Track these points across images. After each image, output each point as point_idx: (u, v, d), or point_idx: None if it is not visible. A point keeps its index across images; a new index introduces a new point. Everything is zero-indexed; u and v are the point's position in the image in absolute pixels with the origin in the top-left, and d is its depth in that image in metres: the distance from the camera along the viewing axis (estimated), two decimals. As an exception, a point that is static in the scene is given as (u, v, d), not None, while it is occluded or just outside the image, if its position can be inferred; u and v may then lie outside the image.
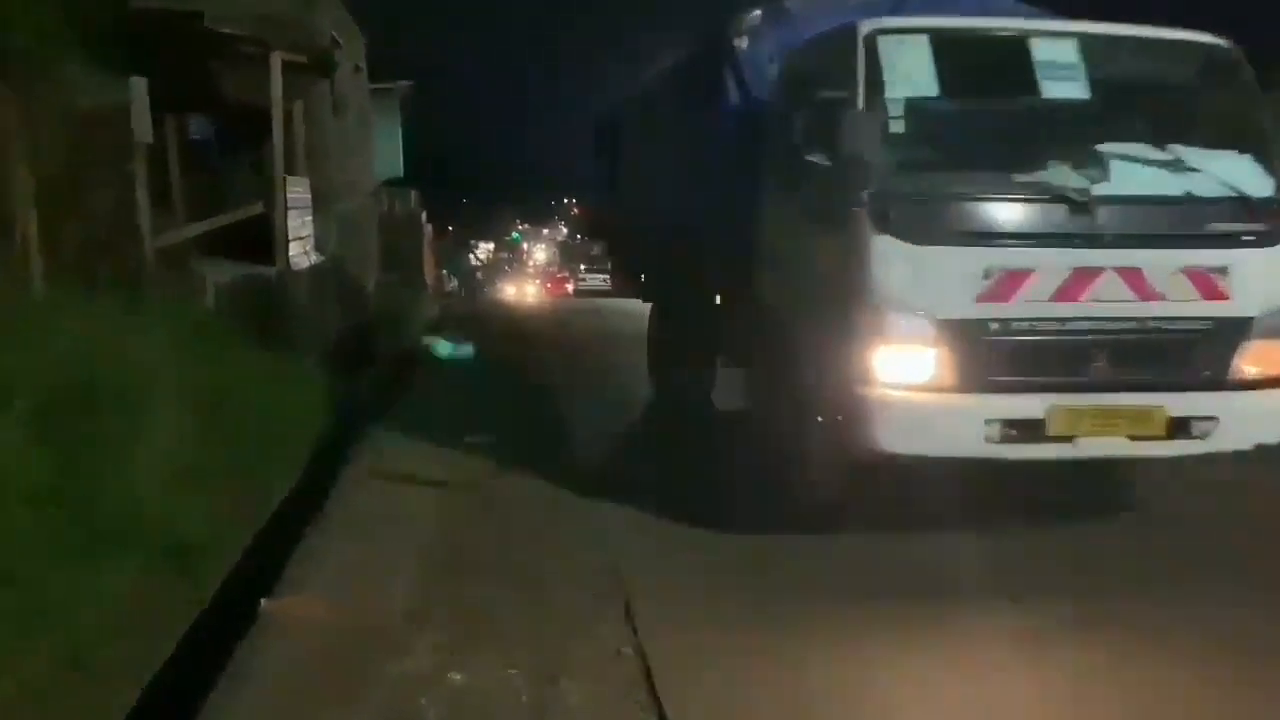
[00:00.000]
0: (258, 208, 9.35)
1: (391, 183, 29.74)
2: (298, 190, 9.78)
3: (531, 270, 67.95)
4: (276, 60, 9.07)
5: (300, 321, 9.10)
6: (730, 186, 5.53)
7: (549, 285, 48.21)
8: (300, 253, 9.77)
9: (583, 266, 61.59)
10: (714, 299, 6.25)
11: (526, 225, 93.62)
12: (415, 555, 4.30)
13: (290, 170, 10.68)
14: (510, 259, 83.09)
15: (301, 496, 5.40)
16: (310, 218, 10.73)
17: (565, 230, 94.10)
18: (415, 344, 11.74)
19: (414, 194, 29.49)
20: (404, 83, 30.41)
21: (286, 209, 9.20)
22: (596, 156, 9.49)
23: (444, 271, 32.28)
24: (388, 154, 31.01)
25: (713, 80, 5.87)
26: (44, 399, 4.07)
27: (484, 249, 78.71)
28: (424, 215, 30.74)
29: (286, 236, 9.22)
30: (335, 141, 12.89)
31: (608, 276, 22.81)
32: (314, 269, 10.31)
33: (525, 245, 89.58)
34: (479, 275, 55.68)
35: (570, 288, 45.34)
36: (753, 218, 5.25)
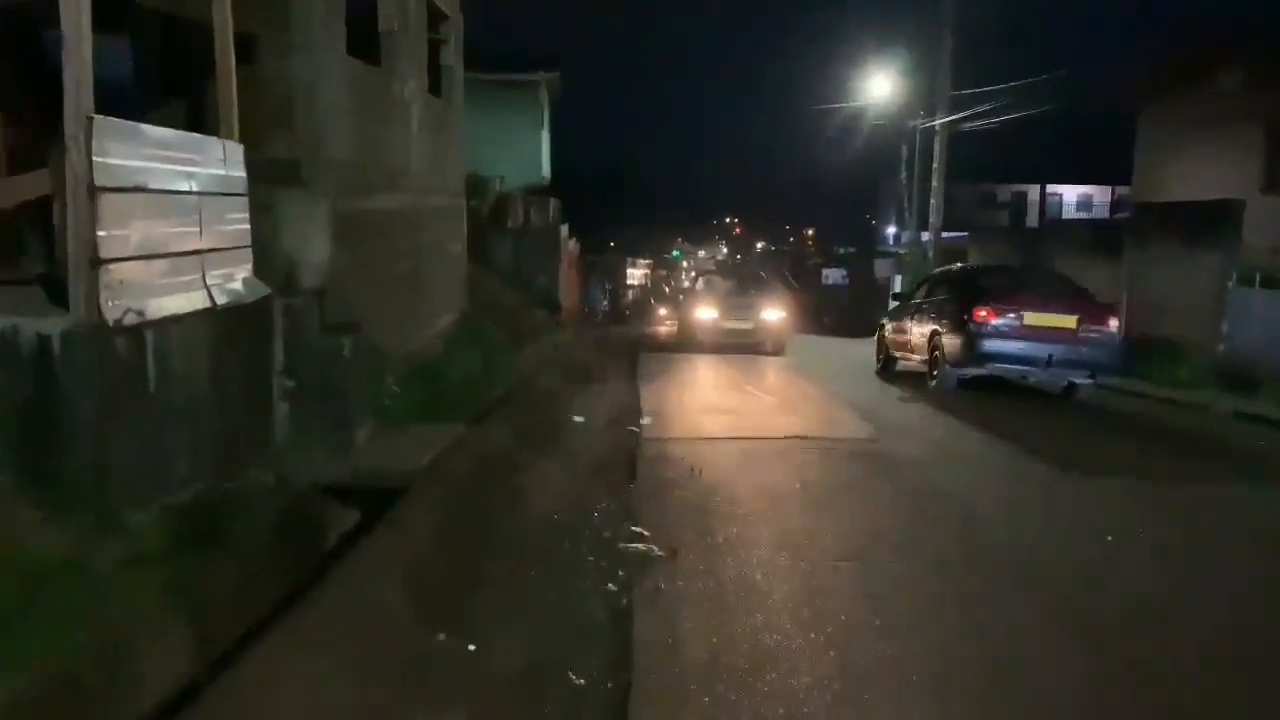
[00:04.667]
0: (41, 181, 4.32)
1: (534, 191, 25.21)
2: (144, 154, 4.68)
3: (687, 293, 62.86)
4: None
5: (113, 445, 3.99)
6: None
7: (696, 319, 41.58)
8: (159, 278, 4.67)
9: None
10: None
11: (687, 244, 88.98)
12: None
13: (209, 127, 5.66)
14: (669, 277, 78.25)
15: None
16: (242, 214, 5.67)
17: (725, 250, 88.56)
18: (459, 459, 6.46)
19: (553, 203, 24.69)
20: (547, 73, 25.86)
21: (94, 190, 4.10)
22: None
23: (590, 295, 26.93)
24: (528, 156, 26.63)
25: None
26: None
27: (642, 266, 74.08)
28: (565, 228, 25.88)
29: (95, 251, 4.12)
30: (353, 100, 7.88)
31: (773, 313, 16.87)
32: (225, 315, 5.22)
33: (686, 263, 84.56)
34: (629, 296, 50.27)
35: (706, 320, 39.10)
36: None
